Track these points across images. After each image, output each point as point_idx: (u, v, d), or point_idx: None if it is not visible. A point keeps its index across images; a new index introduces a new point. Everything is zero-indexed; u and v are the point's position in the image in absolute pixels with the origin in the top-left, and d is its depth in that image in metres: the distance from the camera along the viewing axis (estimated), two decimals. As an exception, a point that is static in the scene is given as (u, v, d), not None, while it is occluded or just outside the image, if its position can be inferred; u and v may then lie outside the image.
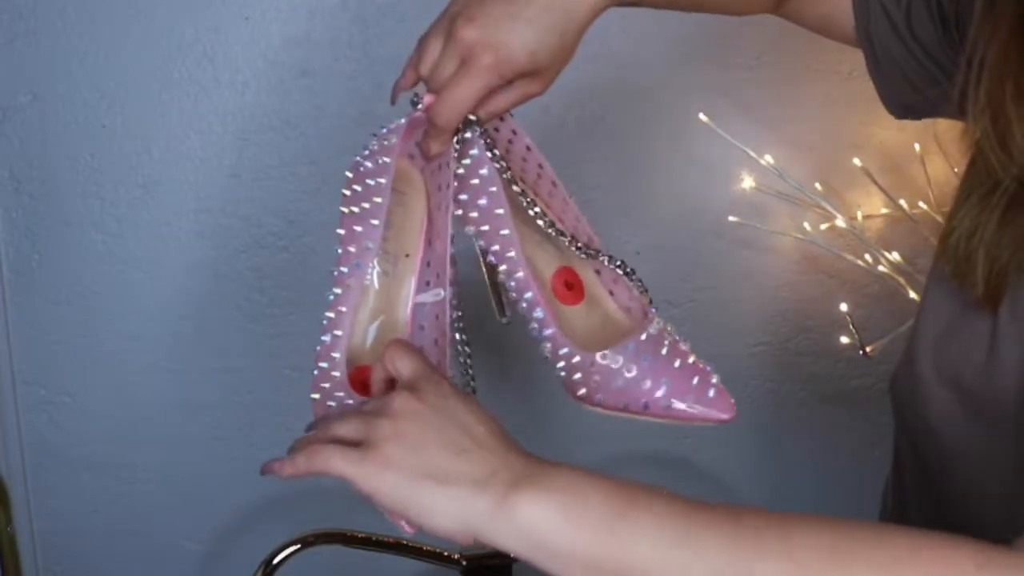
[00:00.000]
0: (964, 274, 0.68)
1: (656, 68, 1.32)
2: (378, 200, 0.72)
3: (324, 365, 0.73)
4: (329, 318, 0.73)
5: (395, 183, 0.76)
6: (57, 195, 1.27)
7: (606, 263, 0.77)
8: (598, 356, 0.73)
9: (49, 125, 1.25)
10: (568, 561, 0.56)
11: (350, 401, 0.72)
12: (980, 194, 0.67)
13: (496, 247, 0.73)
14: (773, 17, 0.86)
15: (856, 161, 1.32)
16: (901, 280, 1.32)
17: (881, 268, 1.34)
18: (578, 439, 1.34)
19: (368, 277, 0.76)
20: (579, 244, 0.76)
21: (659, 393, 0.72)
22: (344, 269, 0.73)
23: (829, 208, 1.33)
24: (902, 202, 1.32)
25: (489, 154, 0.72)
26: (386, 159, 0.73)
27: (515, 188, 0.74)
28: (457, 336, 0.74)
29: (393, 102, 0.75)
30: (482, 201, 0.72)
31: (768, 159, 1.31)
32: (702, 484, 1.48)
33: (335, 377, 0.73)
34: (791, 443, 1.51)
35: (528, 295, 0.73)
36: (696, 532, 0.54)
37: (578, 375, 0.73)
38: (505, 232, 0.72)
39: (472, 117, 0.71)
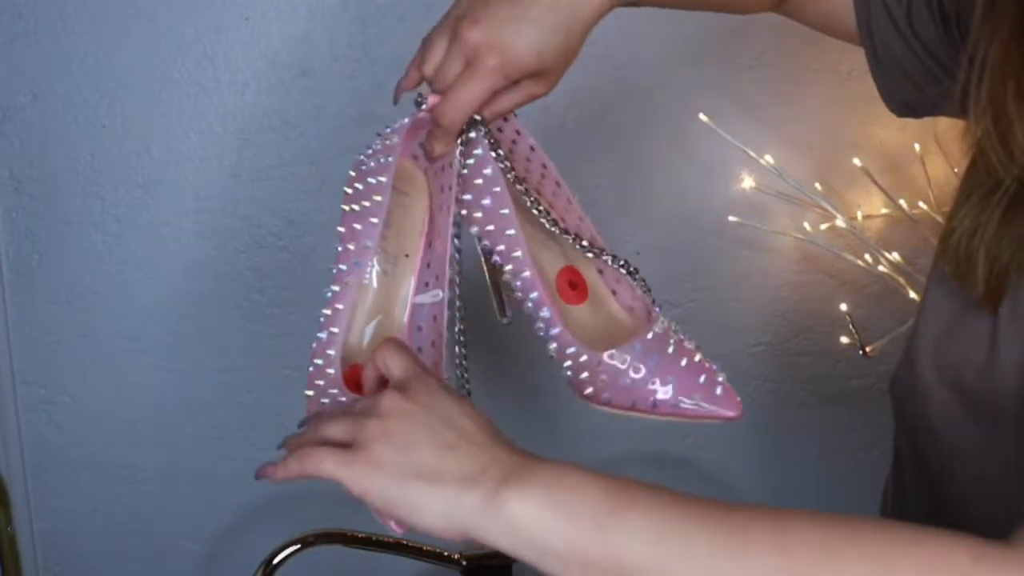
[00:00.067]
0: (965, 274, 0.68)
1: (656, 68, 1.32)
2: (378, 198, 0.72)
3: (319, 362, 0.73)
4: (326, 315, 0.73)
5: (397, 183, 0.76)
6: (57, 195, 1.27)
7: (609, 263, 0.77)
8: (605, 355, 0.73)
9: (49, 125, 1.25)
10: (559, 557, 0.56)
11: (343, 399, 0.72)
12: (981, 194, 0.67)
13: (502, 247, 0.73)
14: (773, 17, 0.86)
15: (856, 161, 1.32)
16: (901, 280, 1.32)
17: (881, 268, 1.34)
18: (580, 439, 1.34)
19: (367, 276, 0.76)
20: (583, 244, 0.76)
21: (666, 392, 0.72)
22: (343, 267, 0.73)
23: (829, 208, 1.33)
24: (902, 202, 1.32)
25: (493, 154, 0.72)
26: (388, 158, 0.73)
27: (519, 188, 0.74)
28: (457, 338, 0.74)
29: (396, 102, 0.75)
30: (486, 201, 0.72)
31: (768, 159, 1.31)
32: (703, 484, 1.48)
33: (329, 374, 0.73)
34: (791, 443, 1.51)
35: (534, 295, 0.73)
36: (687, 527, 0.54)
37: (585, 374, 0.74)
38: (511, 232, 0.72)
39: (476, 117, 0.71)
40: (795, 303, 1.43)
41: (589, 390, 0.74)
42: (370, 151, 0.74)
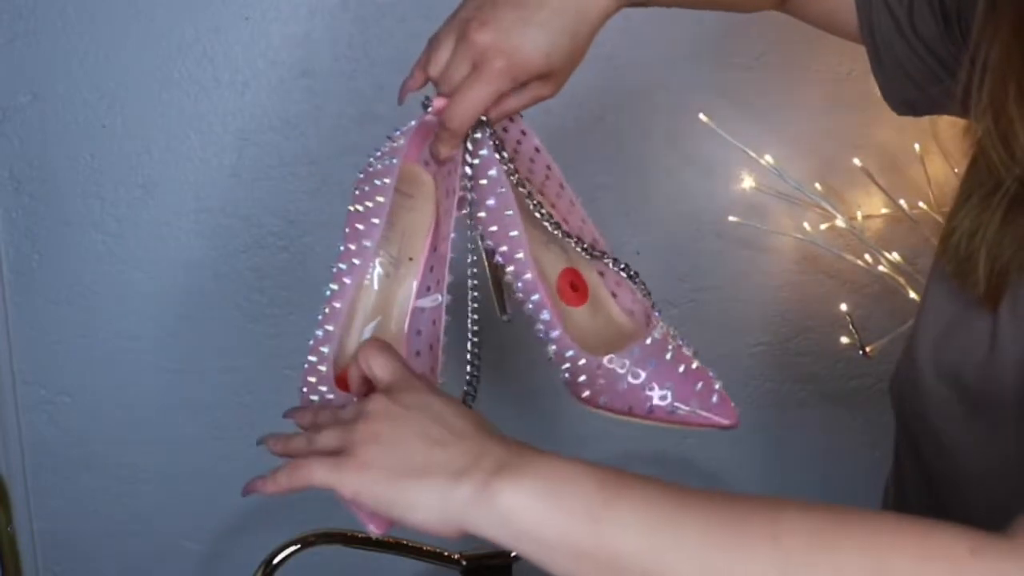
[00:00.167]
0: (965, 273, 0.68)
1: (656, 68, 1.32)
2: (380, 199, 0.73)
3: (313, 359, 0.74)
4: (324, 313, 0.74)
5: (403, 186, 0.76)
6: (57, 195, 1.27)
7: (610, 266, 0.77)
8: (604, 360, 0.73)
9: (49, 125, 1.25)
10: (551, 548, 0.55)
11: (331, 396, 0.72)
12: (982, 194, 0.67)
13: (504, 248, 0.73)
14: (773, 16, 0.86)
15: (856, 161, 1.32)
16: (901, 280, 1.32)
17: (881, 268, 1.34)
18: (580, 439, 1.34)
19: (368, 276, 0.76)
20: (584, 246, 0.76)
21: (663, 397, 0.73)
22: (343, 266, 0.74)
23: (829, 208, 1.33)
24: (902, 202, 1.32)
25: (498, 155, 0.73)
26: (392, 160, 0.73)
27: (522, 189, 0.74)
28: (468, 344, 0.74)
29: (400, 102, 0.75)
30: (491, 202, 0.73)
31: (768, 159, 1.31)
32: (702, 484, 1.46)
33: (321, 372, 0.73)
34: (791, 443, 1.51)
35: (535, 297, 0.73)
36: (681, 518, 0.54)
37: (583, 377, 0.74)
38: (514, 233, 0.73)
39: (482, 119, 0.71)
40: (795, 303, 1.43)
41: (586, 393, 0.74)
42: (379, 153, 0.75)
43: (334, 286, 0.74)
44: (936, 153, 1.31)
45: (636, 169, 1.36)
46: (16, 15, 1.20)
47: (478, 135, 0.72)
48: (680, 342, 0.76)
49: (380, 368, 0.65)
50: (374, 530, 0.64)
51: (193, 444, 1.39)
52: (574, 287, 0.78)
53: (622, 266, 0.77)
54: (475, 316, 0.73)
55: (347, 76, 1.27)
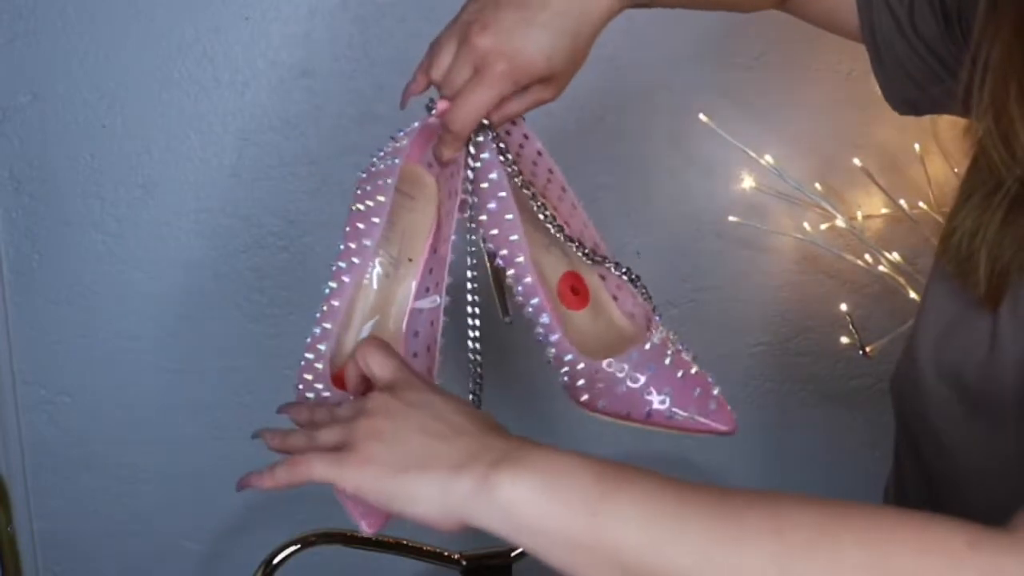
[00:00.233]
0: (966, 273, 0.68)
1: (656, 68, 1.32)
2: (381, 199, 0.73)
3: (310, 356, 0.74)
4: (322, 311, 0.74)
5: (406, 187, 0.76)
6: (57, 195, 1.27)
7: (611, 269, 0.77)
8: (604, 364, 0.73)
9: (49, 125, 1.25)
10: (551, 541, 0.55)
11: (327, 394, 0.73)
12: (982, 194, 0.67)
13: (505, 251, 0.74)
14: (774, 16, 0.86)
15: (856, 161, 1.32)
16: (901, 280, 1.32)
17: (881, 268, 1.34)
18: (581, 439, 1.33)
19: (367, 276, 0.76)
20: (585, 250, 0.76)
21: (661, 403, 0.73)
22: (342, 264, 0.74)
23: (829, 208, 1.33)
24: (902, 202, 1.32)
25: (500, 158, 0.73)
26: (395, 160, 0.73)
27: (525, 192, 0.74)
28: (470, 345, 0.74)
29: (403, 106, 0.75)
30: (492, 205, 0.73)
31: (768, 159, 1.31)
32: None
33: (318, 369, 0.73)
34: (791, 443, 1.51)
35: (535, 300, 0.73)
36: (681, 512, 0.54)
37: (582, 381, 0.74)
38: (514, 237, 0.73)
39: (484, 122, 0.71)
40: (795, 303, 1.43)
41: (585, 397, 0.74)
42: (381, 153, 0.75)
43: (333, 284, 0.74)
44: (936, 153, 1.31)
45: (637, 169, 1.36)
46: (16, 15, 1.20)
47: (480, 138, 0.72)
48: (680, 347, 0.76)
49: (379, 366, 0.66)
50: (366, 528, 0.64)
51: (193, 444, 1.39)
52: (575, 291, 0.78)
53: (623, 270, 0.77)
54: (476, 322, 0.73)
55: (347, 76, 1.27)
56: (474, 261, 0.74)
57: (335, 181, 1.29)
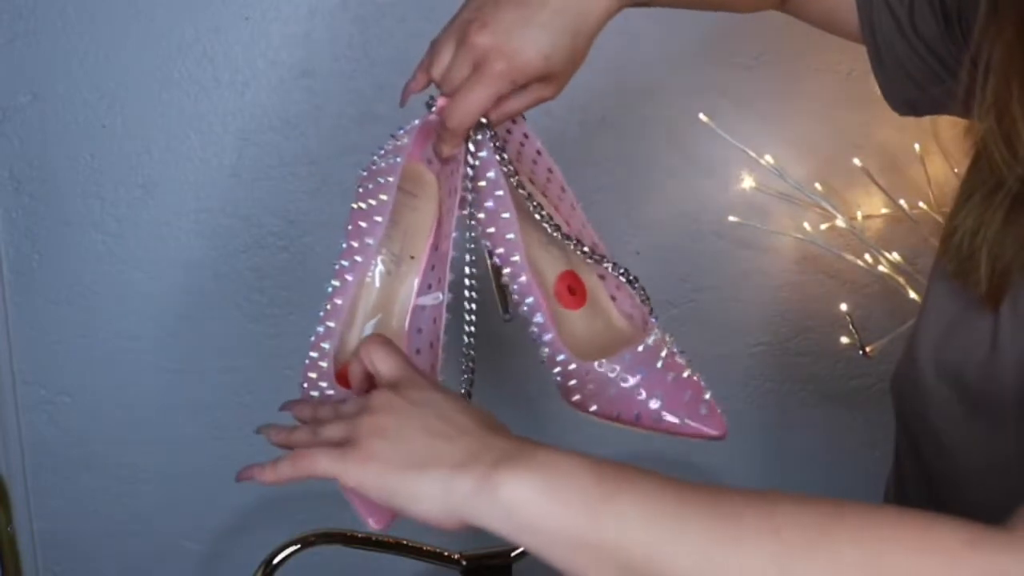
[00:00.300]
0: (967, 273, 0.68)
1: (656, 68, 1.32)
2: (383, 197, 0.73)
3: (314, 355, 0.74)
4: (325, 309, 0.74)
5: (407, 185, 0.77)
6: (57, 195, 1.27)
7: (610, 269, 0.77)
8: (595, 365, 0.73)
9: (49, 125, 1.25)
10: (552, 541, 0.55)
11: (331, 392, 0.73)
12: (983, 193, 0.67)
13: (501, 250, 0.74)
14: (773, 16, 0.86)
15: (856, 161, 1.32)
16: (901, 280, 1.32)
17: (881, 268, 1.34)
18: (579, 439, 1.33)
19: (369, 274, 0.77)
20: (584, 249, 0.76)
21: (652, 405, 0.73)
22: (345, 263, 0.74)
23: (829, 208, 1.33)
24: (902, 202, 1.32)
25: (498, 157, 0.73)
26: (396, 158, 0.73)
27: (523, 192, 0.74)
28: (465, 340, 0.74)
29: (402, 104, 0.75)
30: (489, 204, 0.73)
31: (768, 159, 1.31)
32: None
33: (322, 367, 0.73)
34: (791, 443, 1.51)
35: (529, 300, 0.73)
36: (681, 511, 0.54)
37: (573, 382, 0.74)
38: (510, 236, 0.73)
39: (483, 120, 0.71)
40: (795, 303, 1.43)
41: (576, 397, 0.74)
42: (382, 151, 0.75)
43: (336, 283, 0.74)
44: (936, 153, 1.31)
45: (636, 169, 1.36)
46: (16, 15, 1.20)
47: (479, 136, 0.72)
48: (674, 350, 0.76)
49: (383, 363, 0.66)
50: (373, 524, 0.64)
51: (193, 444, 1.39)
52: (572, 290, 0.78)
53: (621, 271, 0.77)
54: (471, 317, 0.73)
55: (347, 76, 1.27)
56: (474, 258, 0.74)
57: (335, 181, 1.29)
